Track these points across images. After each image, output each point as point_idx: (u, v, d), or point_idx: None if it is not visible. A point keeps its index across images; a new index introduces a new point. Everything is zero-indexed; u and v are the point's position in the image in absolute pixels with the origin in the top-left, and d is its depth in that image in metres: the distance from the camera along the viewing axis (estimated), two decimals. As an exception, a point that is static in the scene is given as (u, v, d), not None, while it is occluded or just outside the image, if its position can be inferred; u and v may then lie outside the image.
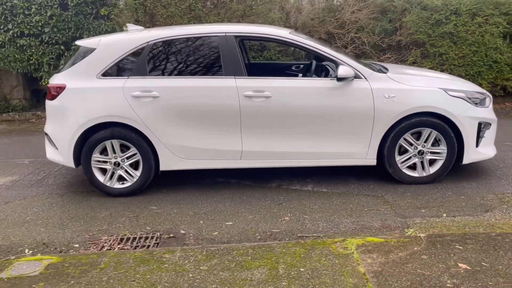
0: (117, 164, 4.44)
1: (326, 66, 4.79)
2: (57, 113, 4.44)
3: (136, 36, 4.52)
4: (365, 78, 4.30)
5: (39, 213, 4.14)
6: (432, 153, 4.44)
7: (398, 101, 4.28)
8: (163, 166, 4.46)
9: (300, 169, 4.74)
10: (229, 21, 7.88)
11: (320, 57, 4.51)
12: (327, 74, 4.68)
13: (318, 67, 4.76)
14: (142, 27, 5.16)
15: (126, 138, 4.34)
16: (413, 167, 4.49)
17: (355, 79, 4.27)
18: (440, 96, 4.33)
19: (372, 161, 4.46)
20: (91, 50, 4.39)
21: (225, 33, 4.41)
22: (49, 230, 3.80)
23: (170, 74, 4.40)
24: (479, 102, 4.47)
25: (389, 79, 4.37)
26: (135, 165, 4.46)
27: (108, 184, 4.47)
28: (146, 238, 3.63)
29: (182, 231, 3.72)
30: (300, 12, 8.31)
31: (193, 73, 4.41)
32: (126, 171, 4.46)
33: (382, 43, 8.27)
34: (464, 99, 4.38)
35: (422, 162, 4.46)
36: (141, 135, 4.34)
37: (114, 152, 4.40)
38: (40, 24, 7.99)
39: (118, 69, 4.37)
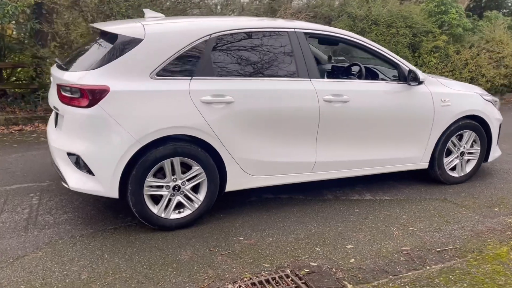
0: (176, 189, 3.47)
1: (373, 68, 4.62)
2: (96, 126, 3.21)
3: (193, 26, 3.61)
4: (424, 83, 4.29)
5: (82, 272, 2.93)
6: (469, 153, 4.70)
7: (452, 105, 4.39)
8: (230, 186, 3.66)
9: (342, 179, 4.38)
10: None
11: (384, 60, 4.29)
12: (375, 77, 4.51)
13: (367, 69, 4.54)
14: (162, 15, 4.13)
15: (191, 154, 3.41)
16: (453, 168, 4.67)
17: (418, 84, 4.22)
18: (480, 100, 4.61)
19: (425, 165, 4.48)
20: (135, 41, 3.31)
21: (295, 29, 3.86)
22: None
23: (242, 75, 3.62)
24: (495, 105, 4.92)
25: (440, 83, 4.45)
26: (193, 188, 3.56)
27: (163, 215, 3.45)
28: (281, 277, 2.90)
29: (312, 263, 3.10)
30: (243, 9, 7.89)
31: (267, 75, 3.71)
32: (185, 195, 3.52)
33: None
34: (491, 103, 4.76)
35: (461, 163, 4.68)
36: (208, 149, 3.48)
37: (173, 173, 3.43)
38: None
39: (177, 68, 3.40)
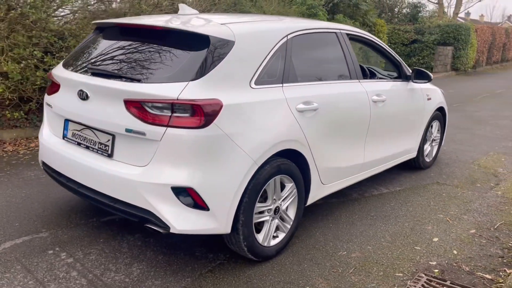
0: (276, 211, 3.05)
1: (369, 68, 4.80)
2: (213, 149, 2.54)
3: (273, 26, 3.19)
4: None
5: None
6: (433, 140, 5.36)
7: (432, 99, 4.95)
8: (310, 199, 3.39)
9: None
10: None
11: (390, 59, 4.49)
12: (372, 76, 4.71)
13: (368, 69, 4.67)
14: (196, 11, 3.44)
15: (289, 170, 3.03)
16: (426, 154, 5.26)
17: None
18: (441, 93, 5.30)
19: (415, 154, 4.93)
20: (228, 45, 2.74)
21: (340, 30, 3.76)
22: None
23: (318, 79, 3.36)
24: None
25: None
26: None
27: (265, 243, 2.99)
28: (427, 283, 2.87)
29: (431, 262, 3.14)
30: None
31: (335, 77, 3.53)
32: (280, 217, 3.12)
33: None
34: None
35: (432, 149, 5.32)
36: (298, 163, 3.15)
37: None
38: None
39: (268, 74, 2.95)
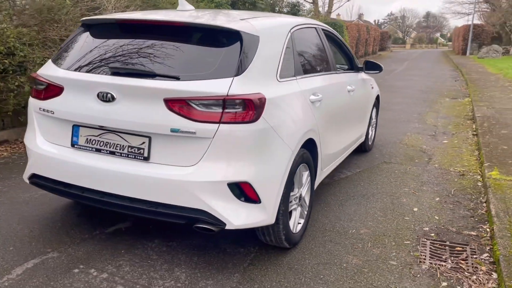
0: (300, 199, 3.19)
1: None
2: (263, 142, 2.58)
3: (280, 21, 3.30)
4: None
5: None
6: (372, 125, 5.96)
7: (374, 88, 5.51)
8: (315, 185, 3.59)
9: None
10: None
11: (345, 53, 4.85)
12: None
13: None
14: (192, 6, 3.34)
15: (307, 159, 3.20)
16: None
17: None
18: (375, 81, 5.90)
19: (364, 138, 5.44)
20: (255, 40, 2.79)
21: (317, 25, 4.01)
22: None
23: (318, 71, 3.58)
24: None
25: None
26: (296, 196, 3.34)
27: (294, 231, 3.12)
28: (431, 244, 3.29)
29: (424, 228, 3.58)
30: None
31: (324, 70, 3.77)
32: (300, 205, 3.27)
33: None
34: (374, 84, 6.16)
35: (372, 132, 5.90)
36: (310, 151, 3.34)
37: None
38: None
39: (285, 67, 3.07)
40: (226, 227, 2.55)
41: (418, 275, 2.87)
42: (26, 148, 3.10)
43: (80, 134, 2.79)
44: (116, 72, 2.67)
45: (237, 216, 2.57)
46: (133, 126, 2.60)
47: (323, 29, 4.10)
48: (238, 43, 2.69)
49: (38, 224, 3.33)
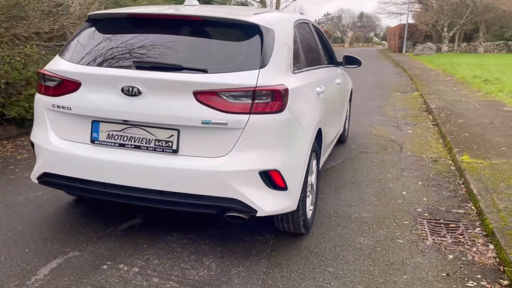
0: (311, 186, 3.33)
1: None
2: (288, 131, 2.70)
3: (286, 16, 3.42)
4: (339, 66, 5.44)
5: None
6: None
7: (349, 82, 5.78)
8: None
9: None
10: None
11: (327, 49, 5.03)
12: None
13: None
14: (198, 2, 3.36)
15: (316, 148, 3.35)
16: (343, 130, 6.09)
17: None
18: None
19: (342, 129, 5.69)
20: (271, 33, 2.89)
21: (308, 21, 4.17)
22: None
23: (314, 64, 3.72)
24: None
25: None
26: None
27: (309, 217, 3.26)
28: (428, 223, 3.56)
29: (418, 209, 3.85)
30: None
31: (319, 63, 3.95)
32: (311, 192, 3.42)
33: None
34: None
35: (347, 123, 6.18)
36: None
37: (308, 170, 3.29)
38: None
39: (295, 60, 3.19)
40: (257, 214, 2.64)
41: (426, 250, 3.11)
42: (34, 146, 3.00)
43: (101, 130, 2.76)
44: (140, 66, 2.67)
45: (267, 202, 2.67)
46: (161, 119, 2.61)
47: (313, 25, 4.27)
48: (258, 36, 2.79)
49: (45, 226, 3.22)
